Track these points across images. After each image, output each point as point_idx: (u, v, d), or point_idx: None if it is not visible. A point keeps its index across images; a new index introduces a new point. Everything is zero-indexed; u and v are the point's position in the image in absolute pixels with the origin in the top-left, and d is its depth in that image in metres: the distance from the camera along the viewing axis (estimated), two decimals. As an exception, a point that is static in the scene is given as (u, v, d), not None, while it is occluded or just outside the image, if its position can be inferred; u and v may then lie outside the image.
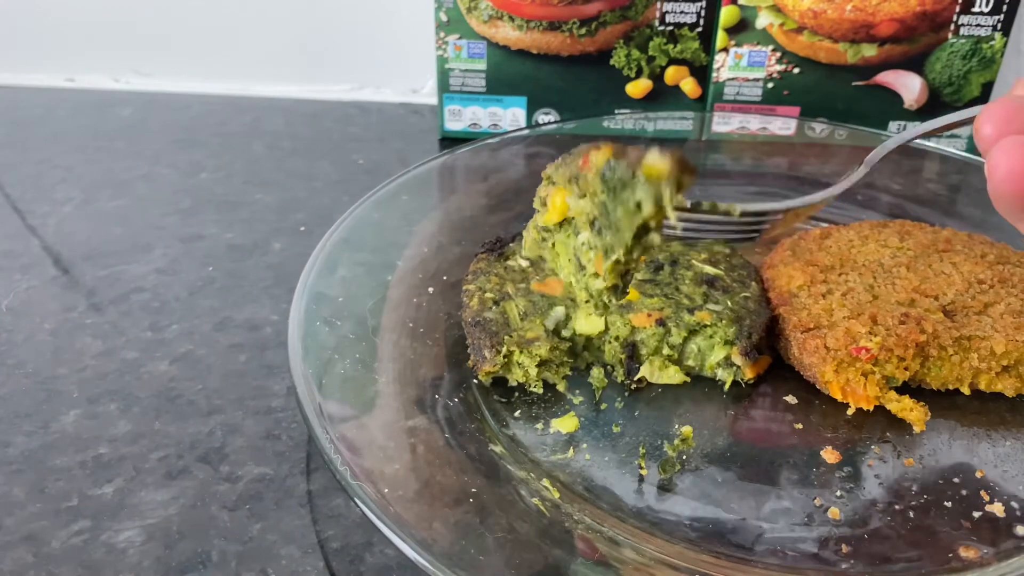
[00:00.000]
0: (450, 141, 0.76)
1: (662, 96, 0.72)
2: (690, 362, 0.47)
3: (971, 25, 0.67)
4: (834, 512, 0.39)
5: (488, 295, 0.49)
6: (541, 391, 0.46)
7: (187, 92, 0.84)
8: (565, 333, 0.47)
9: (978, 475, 0.41)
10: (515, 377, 0.46)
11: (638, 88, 0.72)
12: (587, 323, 0.47)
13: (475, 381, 0.47)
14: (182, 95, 0.84)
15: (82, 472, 0.42)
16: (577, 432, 0.44)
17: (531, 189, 0.67)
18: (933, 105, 0.70)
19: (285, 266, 0.58)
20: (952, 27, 0.67)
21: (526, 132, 0.71)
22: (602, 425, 0.44)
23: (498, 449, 0.42)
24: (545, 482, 0.40)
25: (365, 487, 0.36)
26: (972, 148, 0.72)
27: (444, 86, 0.73)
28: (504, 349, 0.45)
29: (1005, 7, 0.66)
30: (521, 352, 0.45)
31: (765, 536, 0.38)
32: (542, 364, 0.45)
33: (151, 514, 0.40)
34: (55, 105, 0.82)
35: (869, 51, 0.69)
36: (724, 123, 0.72)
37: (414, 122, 0.80)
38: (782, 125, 0.71)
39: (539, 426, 0.44)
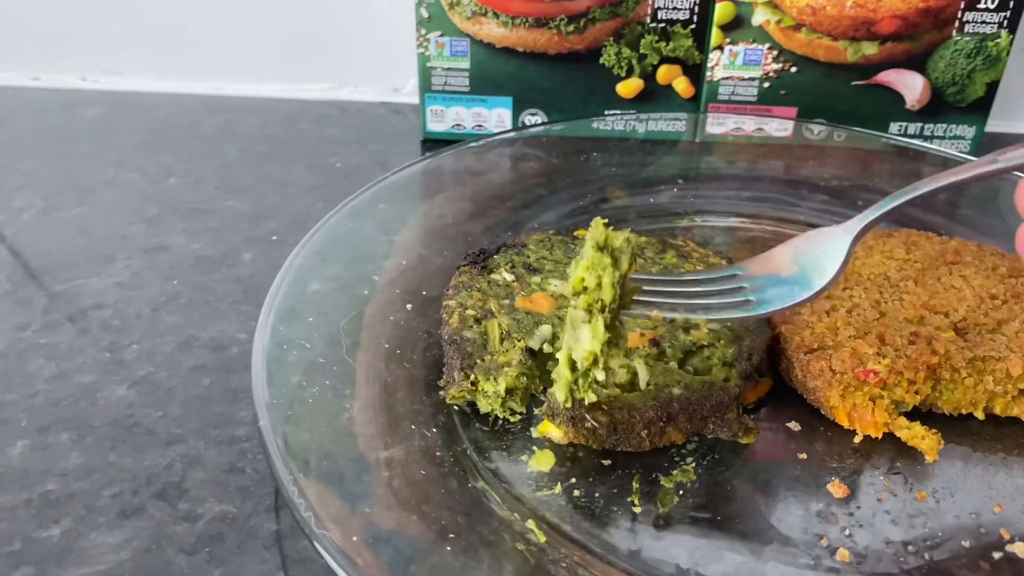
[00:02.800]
0: (433, 143, 0.72)
1: (654, 96, 0.69)
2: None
3: (976, 22, 0.64)
4: (843, 554, 0.36)
5: (469, 312, 0.46)
6: (515, 420, 0.42)
7: (157, 91, 0.80)
8: (560, 356, 0.43)
9: (996, 510, 0.39)
10: (482, 405, 0.42)
11: (629, 88, 0.69)
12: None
13: (455, 407, 0.43)
14: (152, 95, 0.80)
15: (27, 511, 0.39)
16: (566, 465, 0.40)
17: (517, 194, 0.64)
18: (936, 105, 0.68)
19: (255, 279, 0.55)
20: (956, 24, 0.64)
21: (512, 134, 0.68)
22: (592, 457, 0.41)
23: (480, 484, 0.39)
24: (530, 523, 0.37)
25: (331, 535, 0.33)
26: (975, 150, 0.69)
27: (426, 86, 0.70)
28: (472, 376, 0.42)
29: (1012, 3, 0.63)
30: (487, 380, 0.41)
31: (769, 581, 0.35)
32: (510, 392, 0.42)
33: (101, 559, 0.37)
34: (17, 106, 0.78)
35: (870, 49, 0.66)
36: (718, 124, 0.69)
37: (395, 123, 0.77)
38: (779, 126, 0.68)
39: (524, 458, 0.41)
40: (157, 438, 0.43)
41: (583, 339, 0.41)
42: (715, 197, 0.64)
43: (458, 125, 0.71)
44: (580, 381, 0.38)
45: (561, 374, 0.39)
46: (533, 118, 0.71)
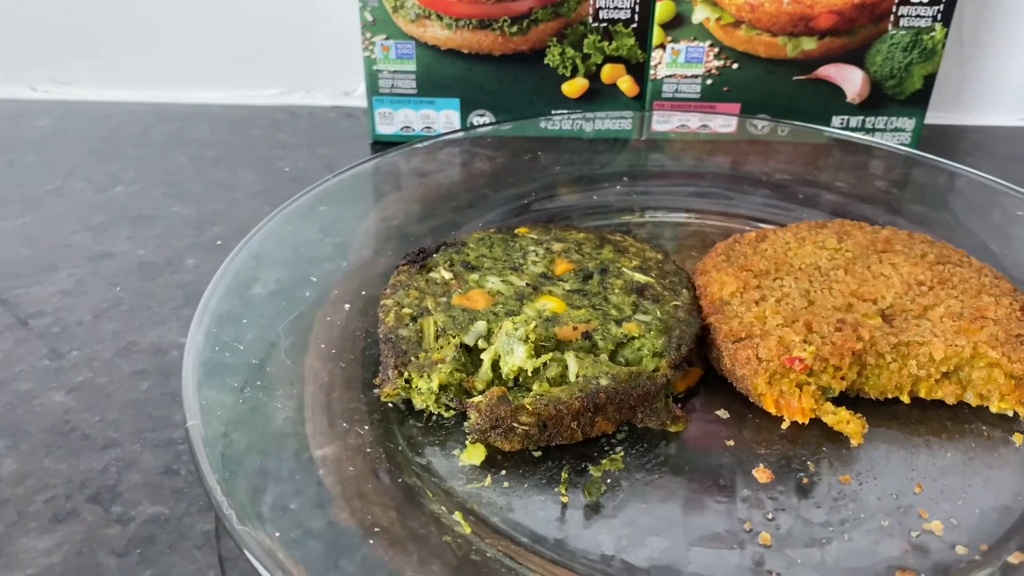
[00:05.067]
0: (382, 145, 0.72)
1: (599, 95, 0.70)
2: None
3: (911, 16, 0.65)
4: (765, 537, 0.37)
5: (406, 310, 0.47)
6: (449, 415, 0.43)
7: (108, 100, 0.80)
8: (485, 356, 0.43)
9: (916, 490, 0.39)
10: (417, 402, 0.43)
11: (574, 87, 0.69)
12: (523, 360, 0.42)
13: (391, 405, 0.44)
14: (103, 103, 0.80)
15: (-42, 519, 0.39)
16: (496, 457, 0.41)
17: (463, 194, 0.65)
18: (876, 98, 0.69)
19: (197, 284, 0.55)
20: (892, 19, 0.65)
21: (459, 135, 0.68)
22: (521, 449, 0.41)
23: (411, 480, 0.39)
24: (457, 515, 0.37)
25: (254, 533, 0.33)
26: (915, 142, 0.70)
27: (373, 88, 0.70)
28: (406, 373, 0.42)
29: (945, -3, 0.64)
30: (420, 377, 0.42)
31: (692, 567, 0.36)
32: (443, 388, 0.42)
33: (31, 563, 0.37)
34: (-34, 117, 0.77)
35: (809, 45, 0.67)
36: (664, 122, 0.70)
37: (346, 127, 0.77)
38: (723, 122, 0.69)
39: (456, 452, 0.41)
40: (93, 443, 0.43)
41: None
42: (660, 194, 0.65)
43: (407, 127, 0.72)
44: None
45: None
46: (481, 119, 0.71)
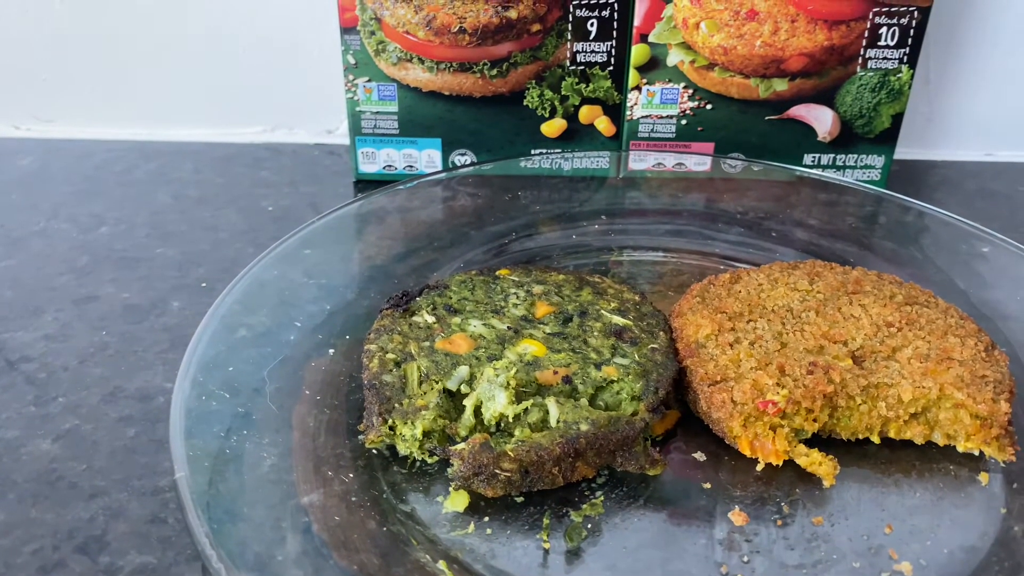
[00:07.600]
0: (365, 184, 0.74)
1: (577, 135, 0.71)
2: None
3: (878, 58, 0.67)
4: (741, 580, 0.38)
5: (390, 356, 0.48)
6: (433, 461, 0.44)
7: (91, 139, 0.81)
8: (467, 402, 0.44)
9: (887, 531, 0.41)
10: (401, 448, 0.44)
11: (553, 128, 0.71)
12: (504, 406, 0.43)
13: (375, 450, 0.45)
14: (86, 142, 0.80)
15: (-54, 572, 0.39)
16: (479, 503, 0.42)
17: (445, 234, 0.66)
18: (846, 137, 0.71)
19: (183, 327, 0.56)
20: (860, 61, 0.67)
21: (441, 175, 0.70)
22: (505, 495, 0.42)
23: (396, 527, 0.40)
24: (441, 564, 0.38)
25: (242, 585, 0.34)
26: (885, 178, 0.72)
27: (356, 129, 0.71)
28: (390, 420, 0.43)
29: (910, 40, 0.66)
30: (404, 424, 0.43)
31: (670, 610, 0.37)
32: (427, 435, 0.43)
33: (20, 617, 0.38)
34: (-51, 156, 0.78)
35: (780, 86, 0.69)
36: (640, 161, 0.72)
37: (328, 164, 0.78)
38: (697, 161, 0.71)
39: (440, 498, 0.42)
40: (80, 491, 0.44)
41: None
42: (638, 232, 0.66)
43: (389, 166, 0.73)
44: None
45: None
46: (463, 158, 0.73)
